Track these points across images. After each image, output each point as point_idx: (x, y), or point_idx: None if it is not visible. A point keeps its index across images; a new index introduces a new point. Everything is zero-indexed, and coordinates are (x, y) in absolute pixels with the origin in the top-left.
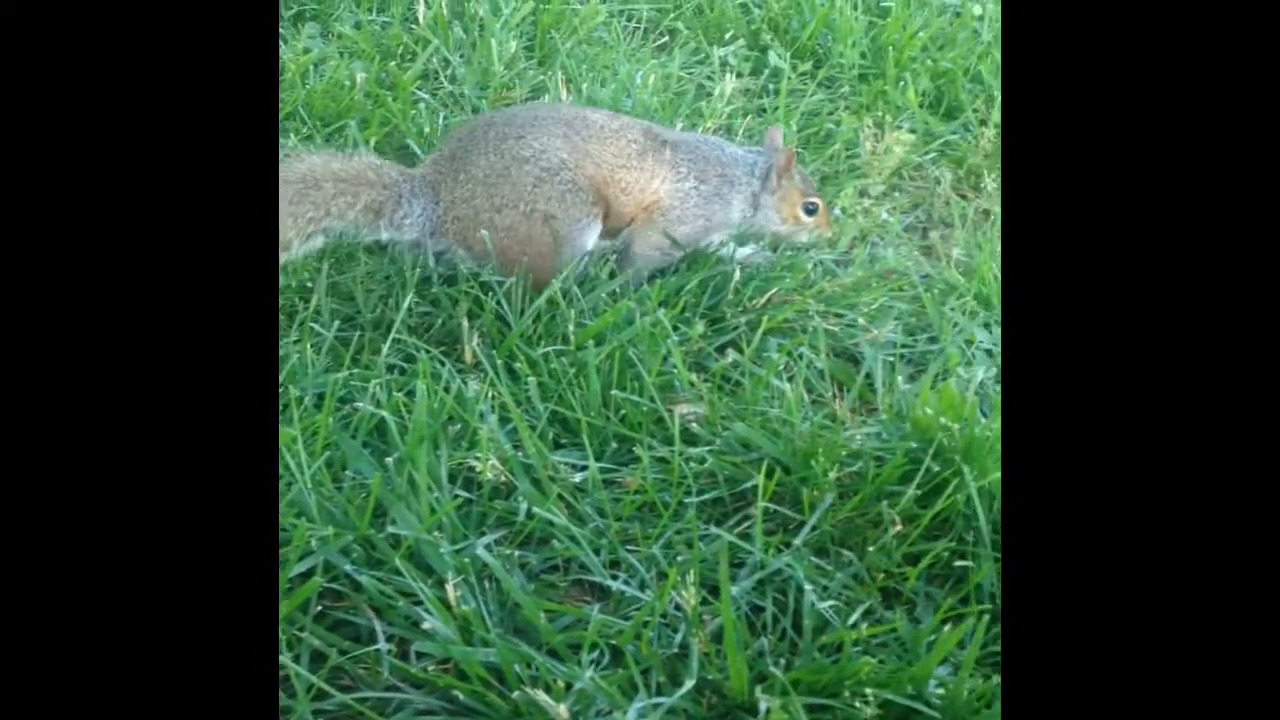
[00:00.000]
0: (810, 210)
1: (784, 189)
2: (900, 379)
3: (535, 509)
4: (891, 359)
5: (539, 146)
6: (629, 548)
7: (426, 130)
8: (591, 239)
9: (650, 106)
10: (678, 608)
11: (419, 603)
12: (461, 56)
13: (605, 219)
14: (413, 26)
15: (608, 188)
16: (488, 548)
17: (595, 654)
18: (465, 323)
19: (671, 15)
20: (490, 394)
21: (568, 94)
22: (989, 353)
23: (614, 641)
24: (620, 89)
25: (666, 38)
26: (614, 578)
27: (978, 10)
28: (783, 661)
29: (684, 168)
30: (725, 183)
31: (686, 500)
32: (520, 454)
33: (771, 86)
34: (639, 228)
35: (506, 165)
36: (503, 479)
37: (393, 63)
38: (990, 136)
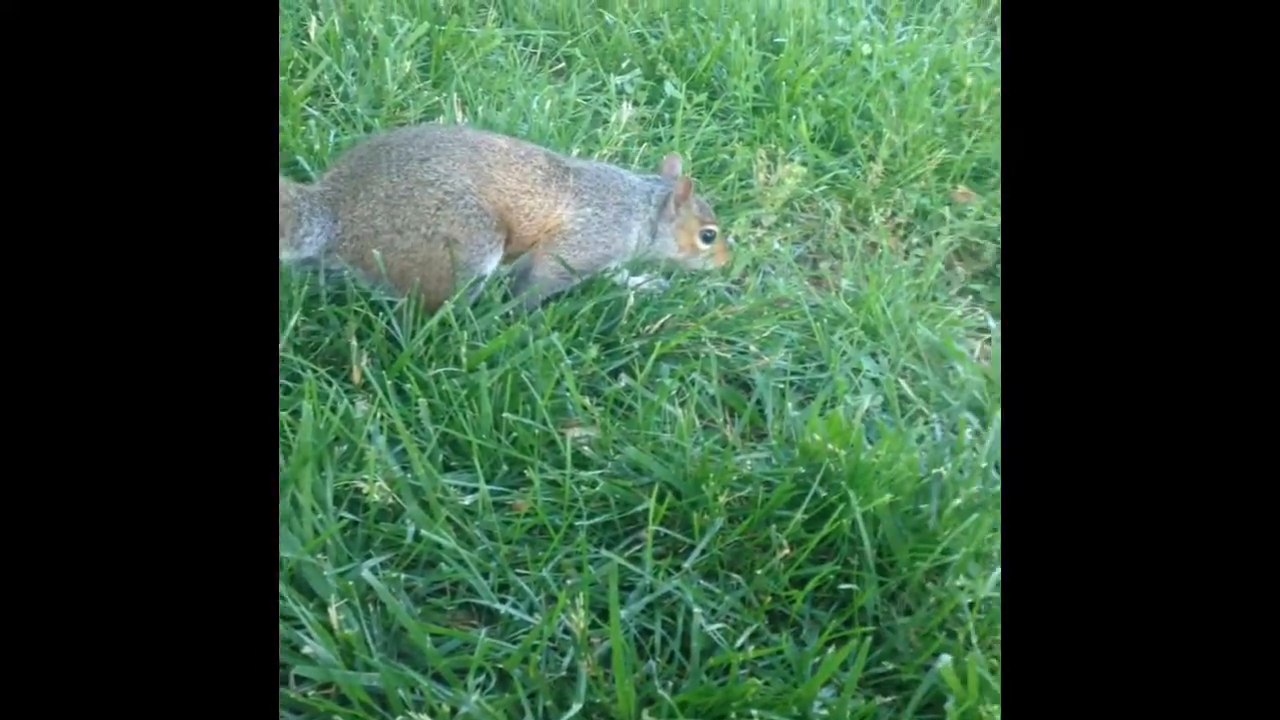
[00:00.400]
0: (707, 238)
1: (682, 217)
2: (789, 406)
3: (423, 531)
4: (781, 386)
5: (443, 170)
6: (518, 571)
7: (316, 148)
8: (492, 264)
9: (547, 132)
10: (566, 631)
11: (300, 626)
12: (354, 75)
13: (507, 244)
14: (304, 43)
15: (510, 214)
16: (373, 570)
17: (482, 678)
18: (354, 342)
19: (569, 42)
20: (379, 415)
21: (463, 116)
22: (875, 381)
23: (501, 665)
24: (516, 113)
25: (563, 64)
26: (502, 601)
27: (866, 50)
28: (671, 684)
29: (586, 195)
30: (624, 210)
31: (577, 523)
32: (409, 476)
33: (667, 116)
34: (539, 253)
35: (410, 187)
36: (390, 501)
37: (283, 78)
38: (878, 171)
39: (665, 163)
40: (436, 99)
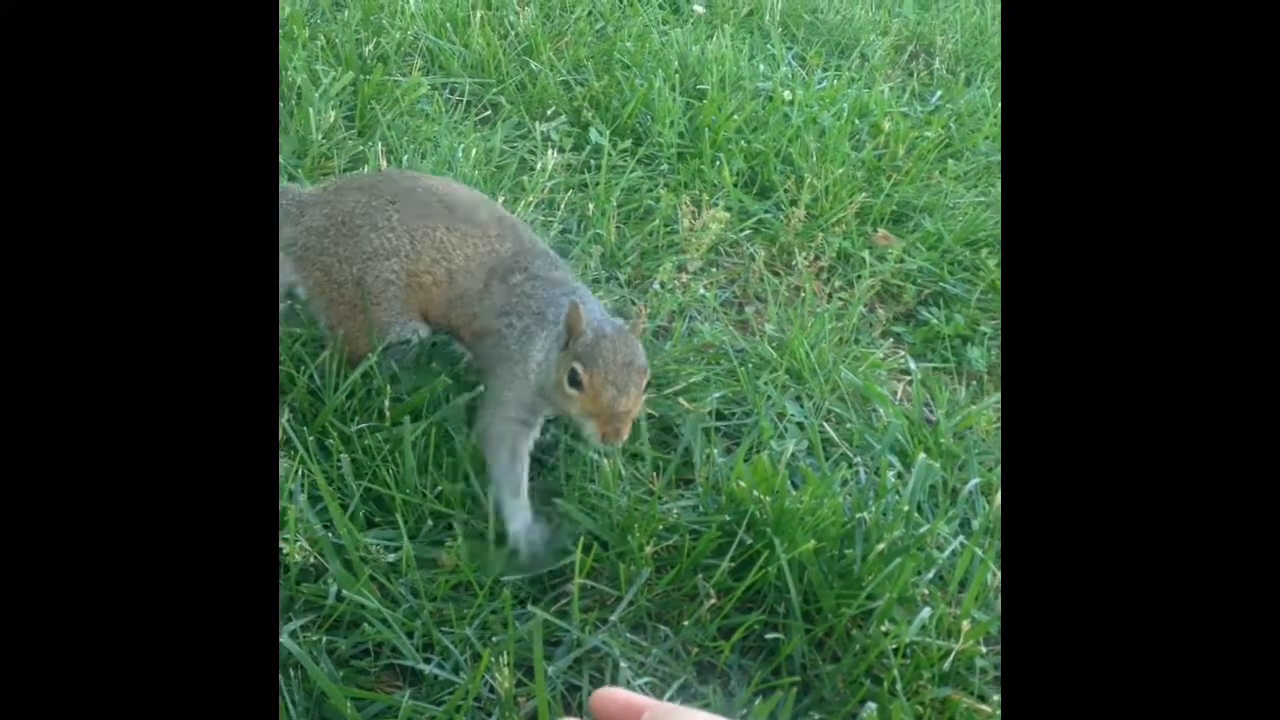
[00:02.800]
0: (573, 379)
1: (567, 349)
2: (716, 452)
3: (345, 592)
4: (708, 432)
5: (395, 221)
6: (443, 629)
7: None
8: (412, 331)
9: (472, 180)
10: (492, 690)
11: None
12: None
13: (428, 319)
14: None
15: (433, 292)
16: (293, 634)
17: None
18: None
19: (494, 90)
20: (300, 472)
21: (387, 165)
22: (800, 425)
23: None
24: (442, 162)
25: (489, 112)
26: (427, 661)
27: (787, 95)
28: None
29: (514, 299)
30: (538, 319)
31: (502, 579)
32: (331, 534)
33: (593, 162)
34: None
35: (364, 220)
36: (311, 560)
37: None
38: (800, 215)
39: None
40: (361, 148)
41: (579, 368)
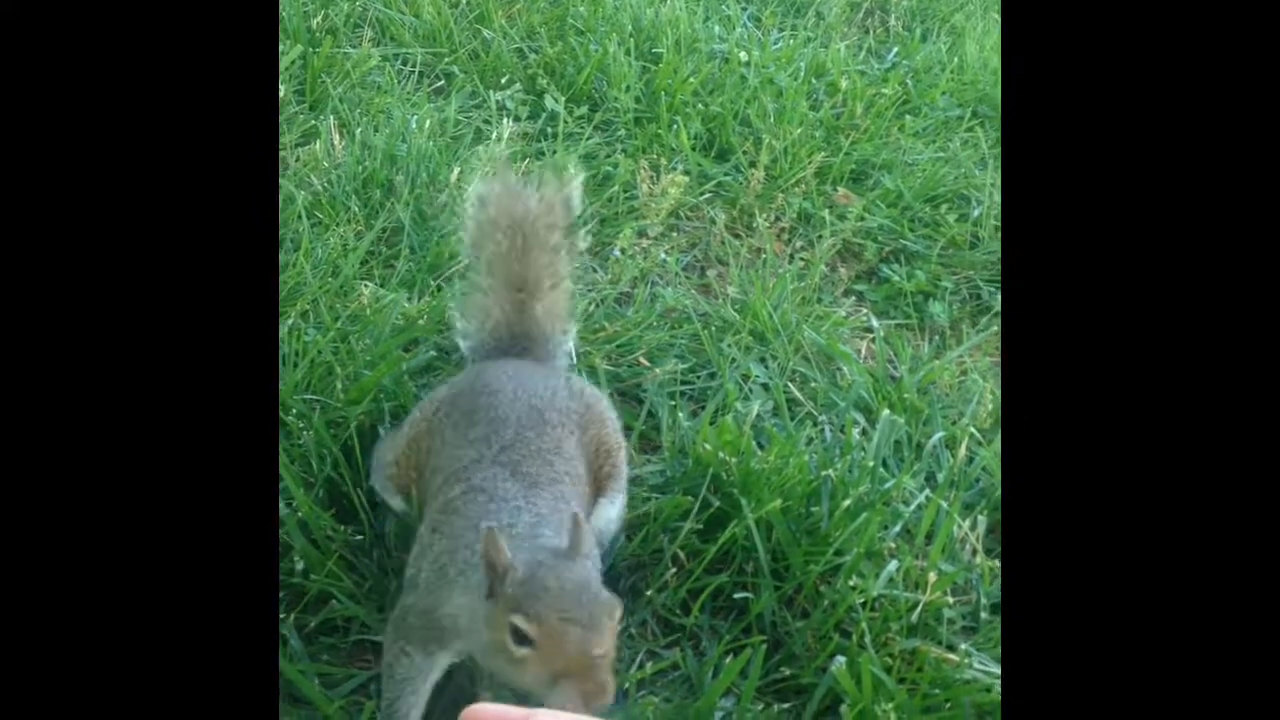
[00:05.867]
0: (517, 635)
1: (495, 597)
2: (681, 416)
3: (314, 575)
4: (673, 396)
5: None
6: None
7: None
8: (395, 505)
9: (427, 151)
10: (463, 661)
11: None
12: None
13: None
14: None
15: (410, 477)
16: None
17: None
18: None
19: (447, 59)
20: None
21: (340, 139)
22: (765, 386)
23: None
24: (395, 134)
25: (442, 81)
26: None
27: (744, 57)
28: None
29: (444, 515)
30: (451, 550)
31: None
32: (296, 513)
33: (550, 130)
34: None
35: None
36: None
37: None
38: (759, 177)
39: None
40: (313, 122)
41: (517, 619)
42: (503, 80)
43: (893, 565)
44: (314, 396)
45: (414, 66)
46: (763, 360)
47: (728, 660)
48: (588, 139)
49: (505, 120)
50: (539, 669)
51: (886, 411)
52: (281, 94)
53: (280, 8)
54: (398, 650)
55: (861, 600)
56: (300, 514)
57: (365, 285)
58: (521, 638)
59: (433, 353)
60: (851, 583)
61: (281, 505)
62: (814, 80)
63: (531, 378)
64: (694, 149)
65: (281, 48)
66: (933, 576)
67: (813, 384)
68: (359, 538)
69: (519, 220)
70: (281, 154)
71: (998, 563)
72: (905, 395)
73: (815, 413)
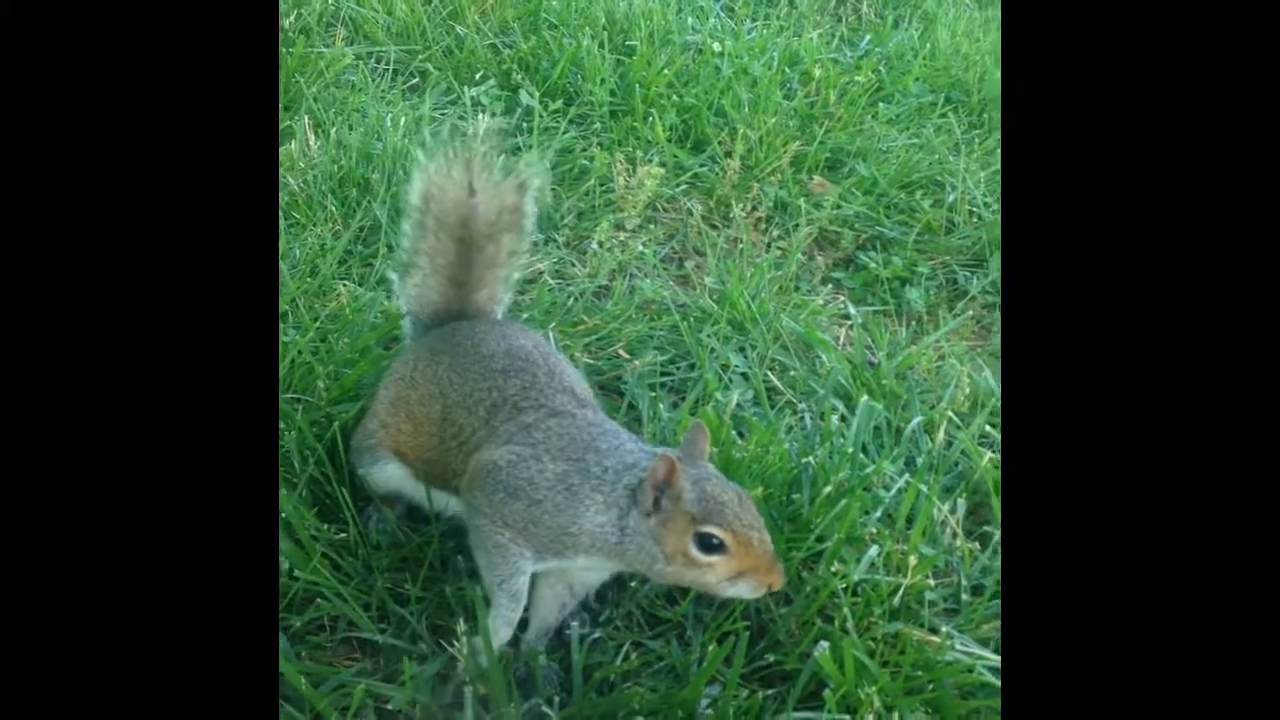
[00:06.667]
0: (707, 543)
1: (664, 511)
2: (662, 407)
3: (298, 572)
4: (653, 388)
5: (412, 356)
6: (397, 600)
7: None
8: (380, 473)
9: (402, 149)
10: (452, 659)
11: None
12: None
13: (407, 459)
14: None
15: (423, 429)
16: None
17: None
18: None
19: (421, 57)
20: None
21: (315, 139)
22: (744, 376)
23: (388, 700)
24: (370, 133)
25: (417, 79)
26: (382, 631)
27: (717, 47)
28: (557, 701)
29: (528, 435)
30: (583, 474)
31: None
32: (280, 512)
33: (525, 125)
34: (464, 492)
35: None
36: None
37: None
38: (735, 167)
39: (688, 433)
40: (289, 123)
41: (713, 530)
42: (477, 76)
43: (874, 550)
44: (296, 396)
45: (388, 64)
46: (742, 350)
47: (712, 648)
48: (563, 133)
49: (481, 115)
50: (726, 570)
51: (865, 398)
52: None
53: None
54: (508, 544)
55: (844, 585)
56: (285, 514)
57: (344, 284)
58: (710, 546)
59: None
60: (833, 568)
61: None
62: (788, 69)
63: (508, 325)
64: (670, 141)
65: None
66: (913, 560)
67: (792, 372)
68: (342, 536)
69: (460, 223)
70: None
71: (977, 545)
72: (884, 381)
73: (795, 400)
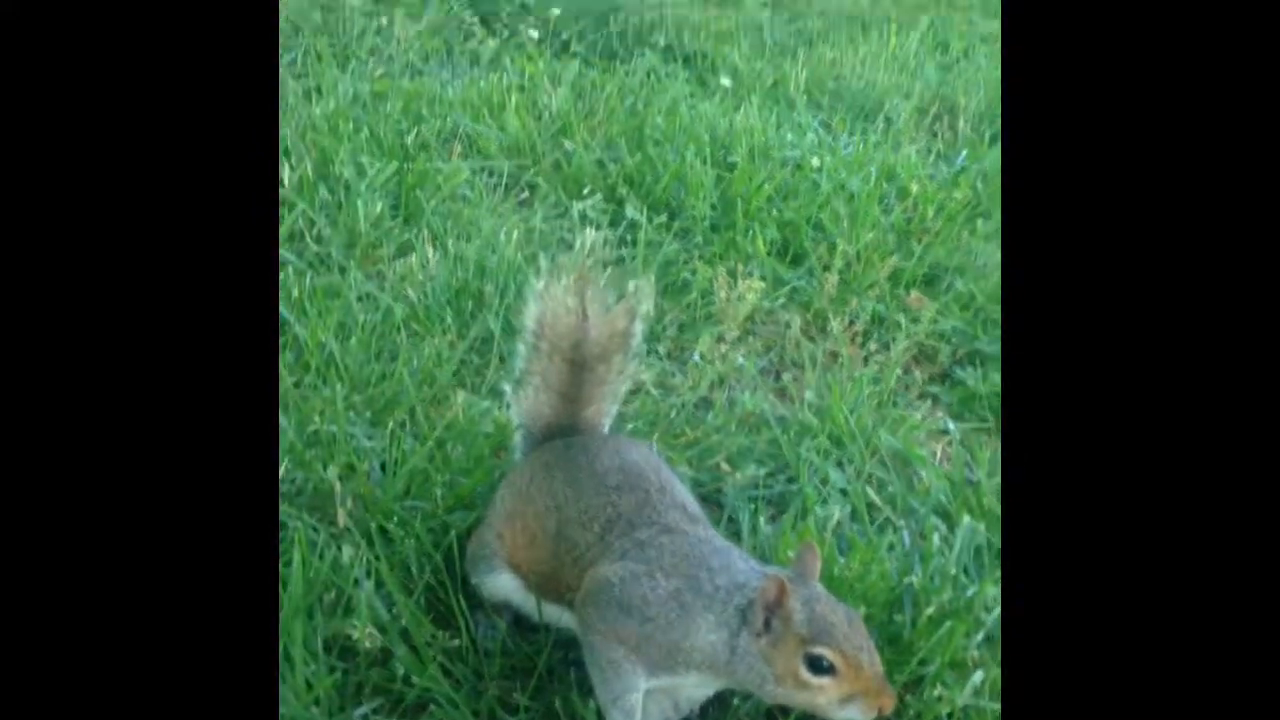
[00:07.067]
0: (816, 665)
1: (774, 632)
2: (762, 521)
3: (414, 677)
4: (753, 501)
5: (528, 469)
6: (506, 709)
7: (295, 294)
8: (494, 585)
9: (514, 261)
10: None
11: None
12: (327, 217)
13: (524, 571)
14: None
15: (538, 542)
16: (364, 718)
17: None
18: (337, 485)
19: (531, 171)
20: (364, 559)
21: (434, 251)
22: (843, 491)
23: None
24: (485, 245)
25: (527, 193)
26: None
27: (816, 163)
28: None
29: (642, 553)
30: (696, 591)
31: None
32: (397, 619)
33: (629, 238)
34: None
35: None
36: (380, 646)
37: None
38: (833, 281)
39: (799, 553)
40: (408, 236)
41: (823, 651)
42: (584, 190)
43: (978, 675)
44: (414, 503)
45: (500, 178)
46: (840, 464)
47: None
48: (667, 246)
49: (587, 229)
50: (836, 692)
51: (967, 518)
52: (377, 209)
53: (377, 126)
54: (621, 661)
55: (948, 711)
56: (403, 621)
57: (458, 393)
58: (820, 668)
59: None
60: (937, 693)
61: (383, 611)
62: (885, 184)
63: (620, 441)
64: (769, 254)
65: (378, 164)
66: None
67: (890, 488)
68: (455, 643)
69: (573, 346)
70: (379, 267)
71: None
72: (984, 500)
73: (894, 518)
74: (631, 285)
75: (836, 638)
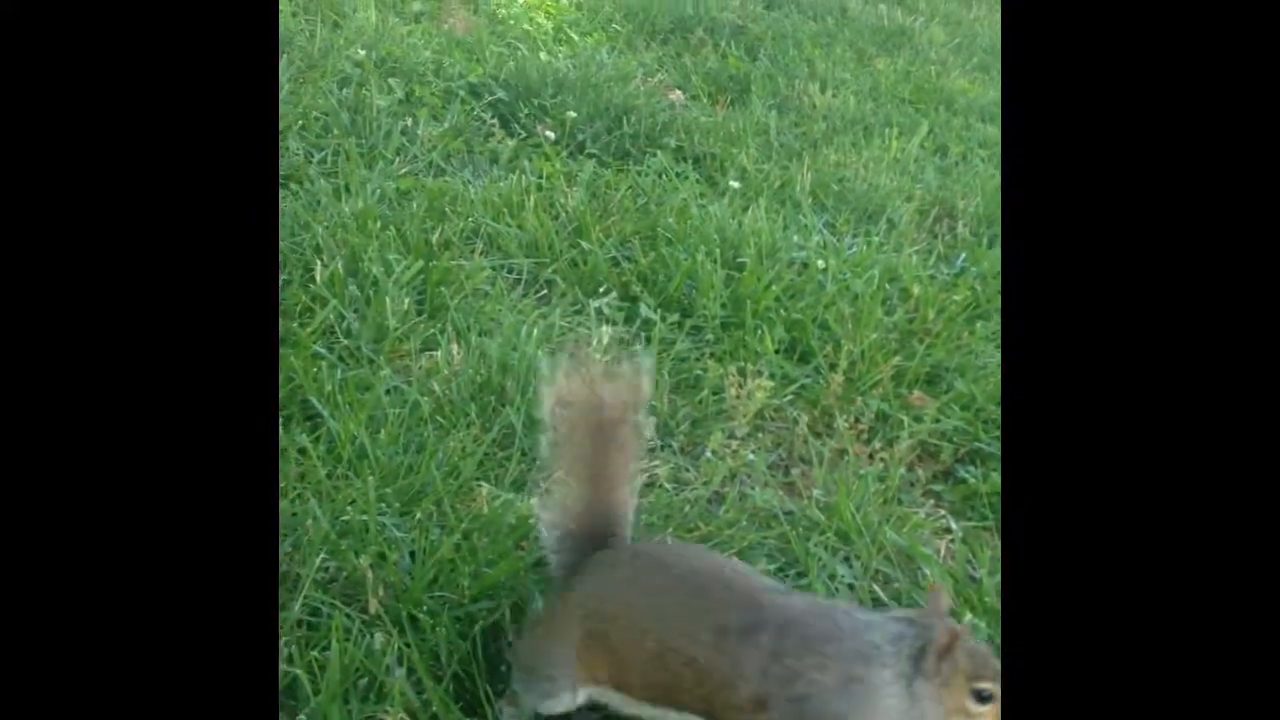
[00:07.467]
0: (982, 696)
1: (944, 673)
2: None
3: None
4: None
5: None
6: None
7: (328, 388)
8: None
9: (534, 357)
10: None
11: None
12: (356, 313)
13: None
14: (310, 285)
15: (635, 657)
16: None
17: None
18: (369, 573)
19: (549, 269)
20: (396, 646)
21: (458, 348)
22: (850, 586)
23: None
24: (507, 341)
25: (545, 290)
26: None
27: (821, 264)
28: None
29: (790, 656)
30: (861, 659)
31: None
32: (428, 705)
33: (643, 335)
34: None
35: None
36: None
37: (292, 321)
38: (839, 380)
39: (930, 595)
40: (433, 331)
41: (986, 685)
42: (600, 288)
43: None
44: (442, 593)
45: (519, 275)
46: (847, 560)
47: None
48: (679, 344)
49: (603, 326)
50: (993, 716)
51: (969, 615)
52: (404, 305)
53: (403, 225)
54: None
55: None
56: (434, 708)
57: (482, 486)
58: (984, 698)
59: (543, 549)
60: None
61: (413, 697)
62: (888, 286)
63: (672, 547)
64: (777, 353)
65: (405, 262)
66: None
67: (895, 584)
68: None
69: (591, 410)
70: (405, 361)
71: None
72: (986, 598)
73: None
74: (632, 358)
75: (992, 669)
